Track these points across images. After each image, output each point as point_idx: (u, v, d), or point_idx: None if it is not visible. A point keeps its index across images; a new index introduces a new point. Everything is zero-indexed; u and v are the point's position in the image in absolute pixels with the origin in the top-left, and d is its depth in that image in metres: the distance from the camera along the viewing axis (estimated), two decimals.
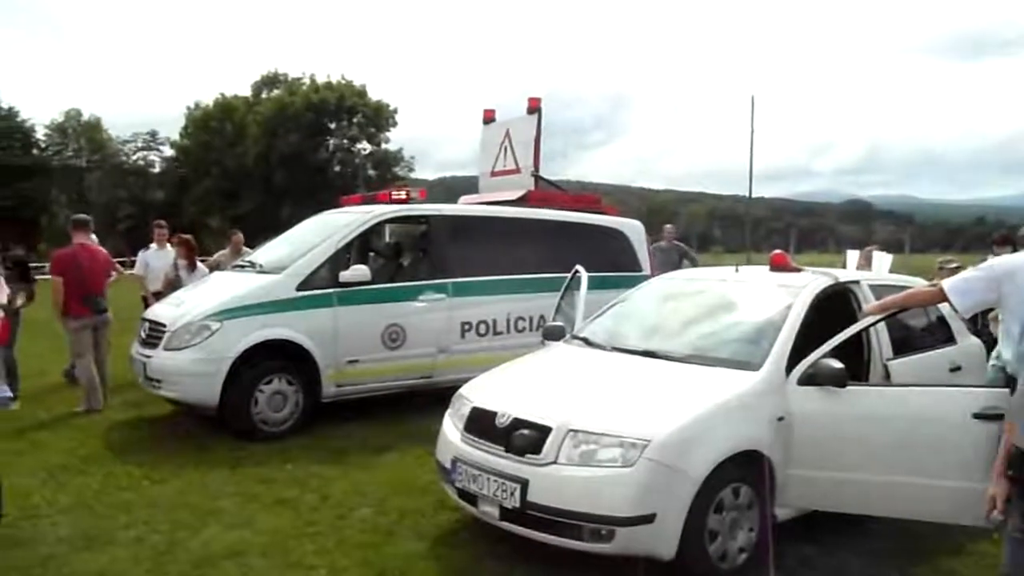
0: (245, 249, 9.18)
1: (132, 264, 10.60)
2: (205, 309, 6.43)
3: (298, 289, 6.58)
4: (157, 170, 55.97)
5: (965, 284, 3.59)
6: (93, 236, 7.95)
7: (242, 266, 7.51)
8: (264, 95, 54.30)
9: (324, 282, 6.69)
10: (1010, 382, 3.57)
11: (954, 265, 8.11)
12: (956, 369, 5.11)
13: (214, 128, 52.58)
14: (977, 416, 3.64)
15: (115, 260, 8.92)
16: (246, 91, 55.26)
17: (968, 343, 5.49)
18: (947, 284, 3.64)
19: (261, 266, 7.13)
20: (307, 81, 52.87)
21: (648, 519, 3.53)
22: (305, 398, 6.62)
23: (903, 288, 5.49)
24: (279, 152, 49.10)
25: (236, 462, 5.80)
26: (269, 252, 7.63)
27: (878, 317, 4.28)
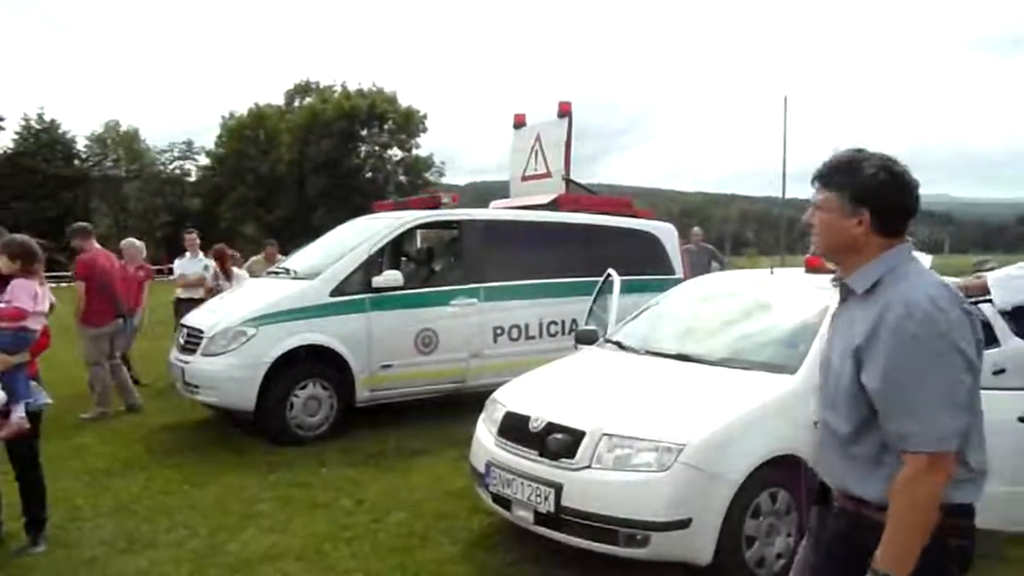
0: (279, 257, 9.30)
1: (169, 271, 10.86)
2: (241, 315, 6.52)
3: (332, 295, 6.63)
4: (193, 179, 56.93)
5: (1008, 280, 3.58)
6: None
7: (276, 272, 7.60)
8: (296, 103, 54.99)
9: (357, 287, 6.74)
10: None
11: (989, 266, 8.02)
12: (1000, 372, 4.98)
13: (248, 136, 53.34)
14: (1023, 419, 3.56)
15: (153, 267, 9.18)
16: (279, 100, 56.06)
17: (1013, 345, 5.36)
18: (991, 277, 3.64)
19: (295, 272, 7.21)
20: (338, 89, 53.44)
21: (684, 524, 3.50)
22: (339, 403, 6.68)
23: None
24: (311, 159, 49.67)
25: (272, 466, 5.87)
26: (303, 258, 7.72)
27: None
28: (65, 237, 7.96)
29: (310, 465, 5.87)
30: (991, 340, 5.30)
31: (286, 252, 9.40)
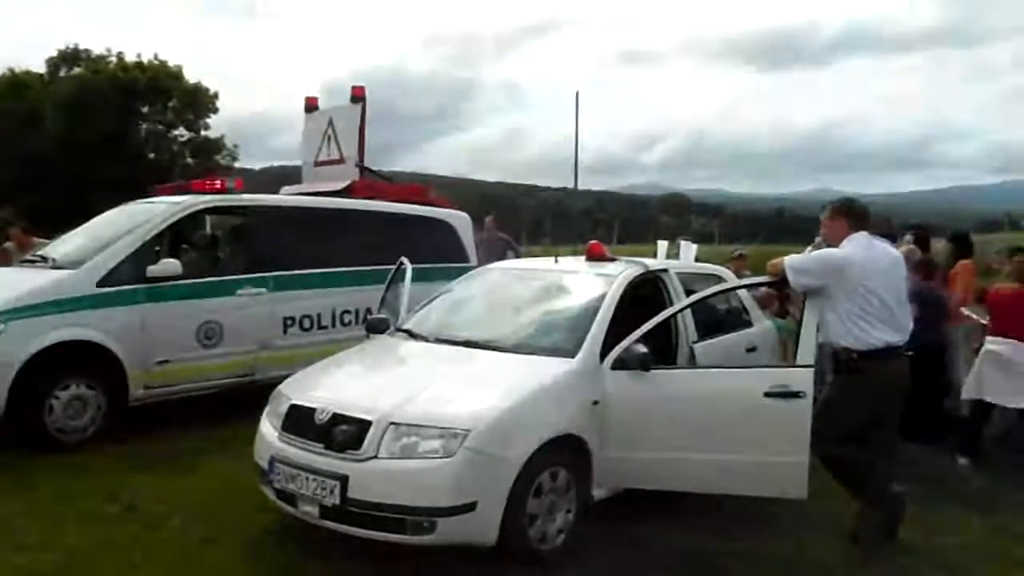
0: (42, 241, 8.37)
1: None
2: None
3: (99, 285, 6.06)
4: None
5: (803, 263, 4.21)
6: None
7: (31, 261, 6.84)
8: (63, 73, 49.60)
9: (129, 277, 6.20)
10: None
11: (737, 253, 9.42)
12: (752, 350, 5.57)
13: (4, 109, 47.42)
14: (768, 395, 3.97)
15: None
16: (41, 67, 50.27)
17: (762, 326, 6.00)
18: (787, 261, 4.18)
19: (54, 260, 6.51)
20: (113, 59, 48.83)
21: (470, 508, 3.58)
22: (109, 403, 6.13)
23: (707, 275, 5.94)
24: (83, 137, 45.03)
25: (29, 476, 5.29)
26: (64, 245, 6.97)
27: (700, 296, 4.77)
28: None
29: (74, 473, 5.35)
30: (746, 322, 5.92)
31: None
